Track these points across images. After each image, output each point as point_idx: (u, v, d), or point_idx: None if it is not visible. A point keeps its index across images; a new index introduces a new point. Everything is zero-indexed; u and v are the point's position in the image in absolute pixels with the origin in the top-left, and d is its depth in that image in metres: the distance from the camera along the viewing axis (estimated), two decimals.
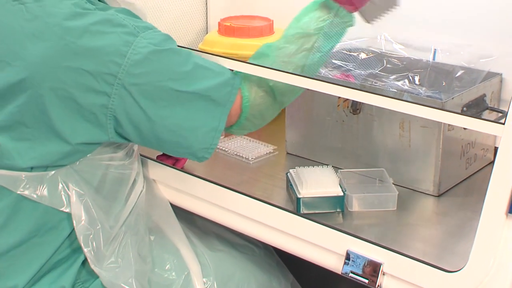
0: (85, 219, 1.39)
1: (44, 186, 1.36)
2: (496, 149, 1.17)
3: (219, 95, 1.37)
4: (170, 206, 1.59)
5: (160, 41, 1.34)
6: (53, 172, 1.36)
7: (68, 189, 1.38)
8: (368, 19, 1.55)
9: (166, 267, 1.52)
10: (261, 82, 1.43)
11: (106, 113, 1.31)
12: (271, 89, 1.45)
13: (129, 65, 1.29)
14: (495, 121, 1.19)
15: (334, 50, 1.75)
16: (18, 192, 1.35)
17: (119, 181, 1.45)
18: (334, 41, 1.48)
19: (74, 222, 1.38)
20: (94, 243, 1.40)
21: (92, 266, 1.40)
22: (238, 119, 1.44)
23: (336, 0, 1.46)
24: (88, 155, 1.38)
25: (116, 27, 1.31)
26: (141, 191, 1.52)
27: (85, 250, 1.39)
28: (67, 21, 1.29)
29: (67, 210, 1.38)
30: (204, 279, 1.53)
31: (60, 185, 1.37)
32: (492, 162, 1.18)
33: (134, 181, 1.50)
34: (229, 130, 1.47)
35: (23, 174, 1.35)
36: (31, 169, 1.35)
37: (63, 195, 1.38)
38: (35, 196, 1.35)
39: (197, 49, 2.02)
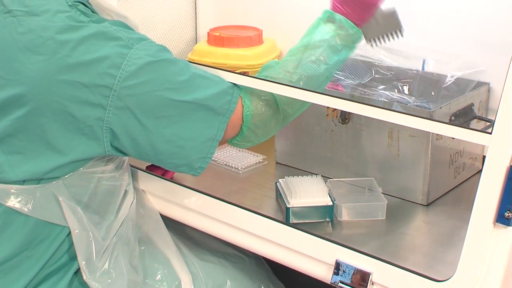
0: (78, 230, 1.39)
1: (36, 200, 1.35)
2: (484, 158, 1.18)
3: (218, 104, 1.37)
4: (160, 217, 1.58)
5: (155, 51, 1.34)
6: (44, 185, 1.35)
7: (60, 203, 1.37)
8: (368, 38, 1.54)
9: (157, 278, 1.51)
10: (263, 91, 1.43)
11: (102, 125, 1.31)
12: (274, 99, 1.45)
13: (124, 76, 1.29)
14: (482, 131, 1.19)
15: None
16: (8, 205, 1.34)
17: (110, 193, 1.45)
18: (342, 54, 1.47)
19: (71, 232, 1.38)
20: (86, 254, 1.40)
21: (85, 278, 1.40)
22: (240, 129, 1.43)
23: (340, 12, 1.47)
24: (80, 169, 1.37)
25: (110, 39, 1.31)
26: (132, 202, 1.52)
27: (79, 259, 1.39)
28: (61, 34, 1.29)
29: (59, 223, 1.37)
30: None
31: (52, 199, 1.36)
32: (481, 171, 1.18)
33: (125, 192, 1.50)
34: (232, 142, 1.47)
35: (14, 187, 1.34)
36: (23, 182, 1.35)
37: (55, 208, 1.37)
38: (26, 209, 1.34)
39: (186, 59, 2.02)
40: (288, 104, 1.46)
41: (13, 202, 1.34)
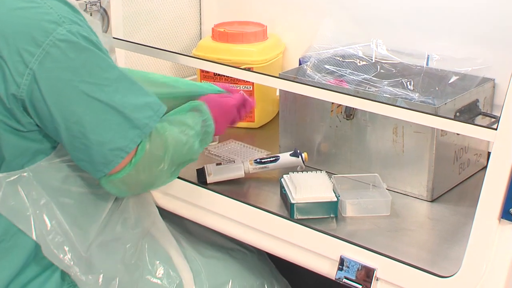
0: (50, 227, 1.35)
1: (2, 194, 1.33)
2: (489, 154, 1.18)
3: (136, 116, 1.29)
4: (158, 212, 1.57)
5: (86, 38, 1.27)
6: (10, 178, 1.33)
7: (27, 199, 1.34)
8: None
9: (158, 275, 1.50)
10: (161, 136, 1.35)
11: (16, 102, 1.26)
12: (165, 146, 1.35)
13: (43, 56, 1.24)
14: (488, 127, 1.19)
15: (327, 56, 1.77)
16: None
17: (90, 180, 1.40)
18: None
19: (34, 232, 1.34)
20: (67, 250, 1.37)
21: (72, 276, 1.38)
22: (128, 163, 1.31)
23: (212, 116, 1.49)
24: (44, 160, 1.34)
25: (39, 14, 1.25)
26: None
27: (58, 265, 1.36)
28: None
29: (23, 227, 1.34)
30: (196, 287, 1.53)
31: (19, 194, 1.33)
32: (485, 167, 1.18)
33: None
34: (110, 178, 1.32)
35: None
36: None
37: (22, 206, 1.34)
38: None
39: (191, 55, 2.02)
40: (177, 153, 1.38)
41: None
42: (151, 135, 1.32)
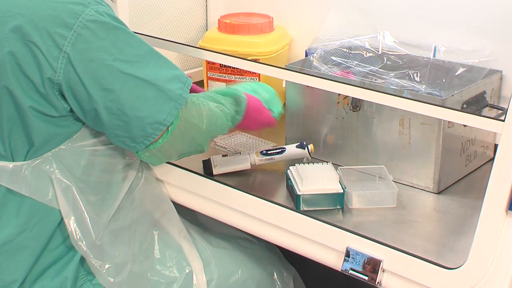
0: (72, 213, 1.37)
1: (27, 178, 1.35)
2: (496, 146, 1.18)
3: (170, 88, 1.32)
4: (172, 204, 1.58)
5: (112, 18, 1.30)
6: (34, 161, 1.35)
7: (52, 180, 1.36)
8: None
9: (168, 264, 1.51)
10: (197, 106, 1.39)
11: (52, 87, 1.29)
12: (201, 116, 1.40)
13: (75, 38, 1.26)
14: (495, 118, 1.19)
15: (334, 48, 1.76)
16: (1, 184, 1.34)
17: (108, 166, 1.43)
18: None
19: (63, 215, 1.37)
20: (85, 236, 1.39)
21: (87, 258, 1.40)
22: (165, 132, 1.35)
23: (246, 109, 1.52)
24: (67, 142, 1.36)
25: None
26: (138, 181, 1.50)
27: (79, 243, 1.38)
28: None
29: (49, 202, 1.36)
30: (206, 276, 1.53)
31: (43, 176, 1.35)
32: (492, 159, 1.18)
33: (128, 167, 1.48)
34: (147, 149, 1.36)
35: (10, 164, 1.34)
36: (12, 158, 1.34)
37: (46, 186, 1.36)
38: (18, 189, 1.34)
39: (197, 46, 2.02)
40: (213, 124, 1.43)
41: (4, 182, 1.34)
42: (187, 105, 1.36)
